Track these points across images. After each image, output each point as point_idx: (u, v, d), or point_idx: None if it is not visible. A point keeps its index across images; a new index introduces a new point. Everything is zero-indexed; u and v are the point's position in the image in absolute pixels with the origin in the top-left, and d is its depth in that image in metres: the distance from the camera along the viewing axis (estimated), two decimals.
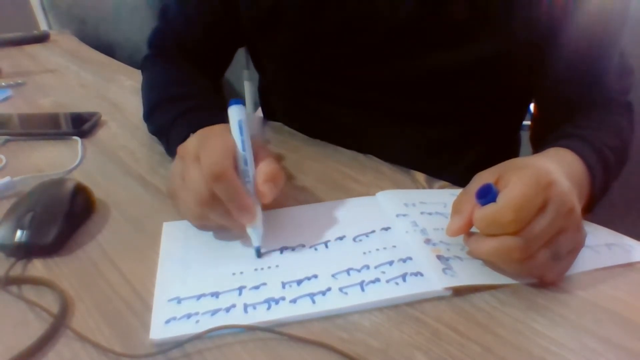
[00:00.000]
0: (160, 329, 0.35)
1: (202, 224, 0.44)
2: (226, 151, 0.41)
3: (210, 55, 0.70)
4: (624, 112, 0.59)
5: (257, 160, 0.44)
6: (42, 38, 1.23)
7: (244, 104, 0.45)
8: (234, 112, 0.44)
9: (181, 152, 0.44)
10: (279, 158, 0.60)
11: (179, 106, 0.57)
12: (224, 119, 0.45)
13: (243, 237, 0.44)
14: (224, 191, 0.40)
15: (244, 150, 0.43)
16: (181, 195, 0.43)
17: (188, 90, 0.62)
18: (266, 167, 0.43)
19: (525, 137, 0.73)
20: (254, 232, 0.42)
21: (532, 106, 0.69)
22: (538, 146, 0.53)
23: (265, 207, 0.48)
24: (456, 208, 0.41)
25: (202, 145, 0.42)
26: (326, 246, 0.43)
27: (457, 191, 0.42)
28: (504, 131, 0.71)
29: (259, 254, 0.42)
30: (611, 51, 0.56)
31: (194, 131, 0.46)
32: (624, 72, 0.59)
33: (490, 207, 0.37)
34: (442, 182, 0.55)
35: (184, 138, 0.45)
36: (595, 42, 0.54)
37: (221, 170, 0.39)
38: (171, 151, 0.55)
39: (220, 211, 0.41)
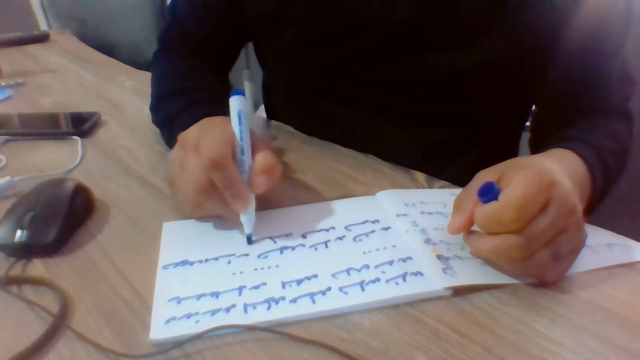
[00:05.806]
0: (160, 329, 0.35)
1: (197, 212, 0.45)
2: (225, 140, 0.42)
3: (218, 50, 0.71)
4: (624, 120, 0.59)
5: (254, 152, 0.44)
6: (42, 38, 1.23)
7: (244, 95, 0.46)
8: (235, 103, 0.45)
9: (182, 140, 0.44)
10: (279, 152, 0.61)
11: (187, 98, 0.58)
12: (228, 113, 0.46)
13: (238, 228, 0.44)
14: (221, 179, 0.41)
15: (241, 139, 0.44)
16: (179, 183, 0.44)
17: (195, 84, 0.63)
18: (263, 158, 0.43)
19: (525, 138, 0.73)
20: (247, 220, 0.43)
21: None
22: (536, 150, 0.53)
23: (266, 207, 0.48)
24: (457, 206, 0.41)
25: (202, 134, 0.43)
26: (326, 246, 0.43)
27: (457, 191, 0.42)
28: (505, 133, 0.71)
29: (250, 240, 0.44)
30: (614, 59, 0.56)
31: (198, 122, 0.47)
32: (625, 81, 0.59)
33: (492, 205, 0.37)
34: (442, 182, 0.55)
35: (186, 128, 0.46)
36: (598, 49, 0.54)
37: (220, 158, 0.40)
38: (172, 140, 0.55)
39: (216, 199, 0.42)
